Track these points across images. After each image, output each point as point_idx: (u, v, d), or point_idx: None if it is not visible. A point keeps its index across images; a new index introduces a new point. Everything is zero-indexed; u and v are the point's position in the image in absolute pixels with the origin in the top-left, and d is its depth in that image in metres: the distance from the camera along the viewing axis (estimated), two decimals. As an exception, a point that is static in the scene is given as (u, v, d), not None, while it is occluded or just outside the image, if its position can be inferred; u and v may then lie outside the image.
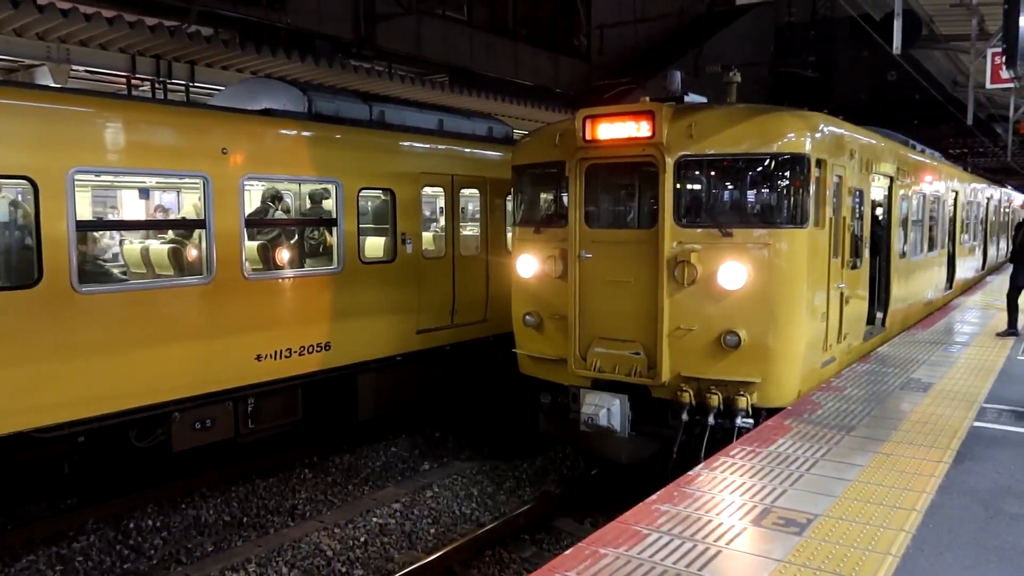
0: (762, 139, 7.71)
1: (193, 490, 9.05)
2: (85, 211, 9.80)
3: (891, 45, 10.71)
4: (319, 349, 9.51)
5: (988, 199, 22.84)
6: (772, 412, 7.61)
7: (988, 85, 12.30)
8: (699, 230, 7.82)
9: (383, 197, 10.74)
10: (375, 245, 10.78)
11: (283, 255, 9.53)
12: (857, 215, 9.68)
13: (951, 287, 16.93)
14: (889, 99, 28.72)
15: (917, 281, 13.33)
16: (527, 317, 8.95)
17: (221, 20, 13.52)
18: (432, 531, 8.37)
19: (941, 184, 15.24)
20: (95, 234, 8.81)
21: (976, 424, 7.00)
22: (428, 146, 11.19)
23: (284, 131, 9.24)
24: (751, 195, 8.05)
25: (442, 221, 11.95)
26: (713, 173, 8.09)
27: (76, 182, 7.32)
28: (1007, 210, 29.87)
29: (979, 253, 21.65)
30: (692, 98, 8.69)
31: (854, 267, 9.46)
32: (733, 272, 7.58)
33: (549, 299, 8.73)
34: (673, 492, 5.34)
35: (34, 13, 9.61)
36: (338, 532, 8.14)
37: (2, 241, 7.51)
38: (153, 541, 7.97)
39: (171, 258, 8.74)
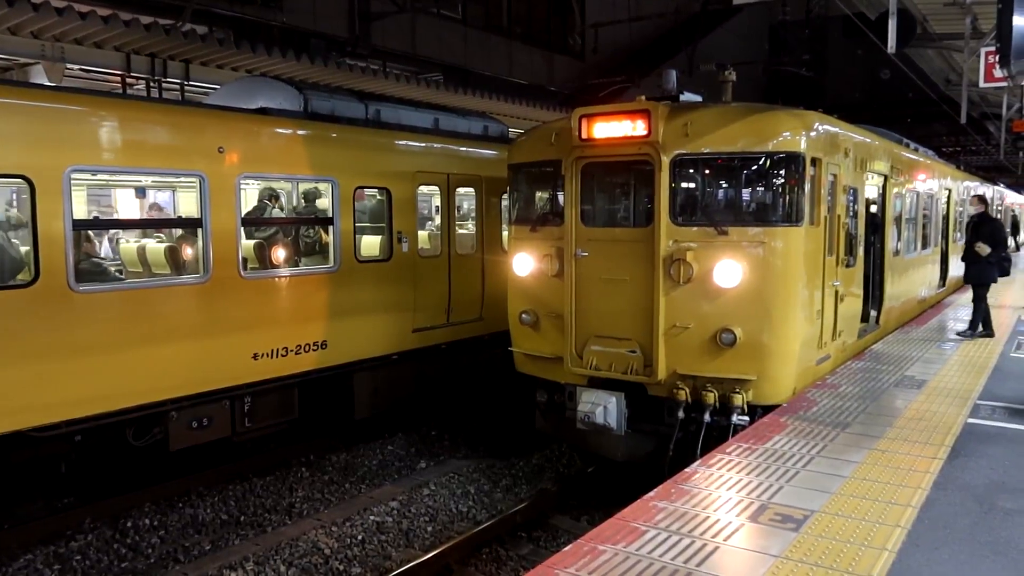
0: (757, 138, 7.74)
1: (190, 489, 9.05)
2: (81, 210, 9.78)
3: (886, 44, 10.76)
4: (315, 348, 9.52)
5: (981, 197, 22.92)
6: (768, 409, 7.65)
7: (982, 84, 12.36)
8: (695, 228, 7.85)
9: (379, 196, 10.75)
10: (371, 244, 10.78)
11: (279, 254, 9.53)
12: (851, 213, 9.73)
13: (944, 285, 17.02)
14: (882, 97, 28.85)
15: (911, 279, 13.40)
16: (523, 315, 8.97)
17: (216, 19, 13.51)
18: (429, 529, 8.39)
19: (934, 182, 15.31)
20: (92, 233, 8.78)
21: (970, 421, 7.05)
22: (424, 145, 11.20)
23: (280, 130, 9.24)
24: (746, 193, 8.09)
25: (438, 220, 11.96)
26: (708, 172, 8.12)
27: (72, 181, 7.31)
28: (999, 208, 30.01)
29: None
30: (687, 97, 8.72)
31: (849, 265, 9.51)
32: (729, 270, 7.62)
33: (545, 297, 8.75)
34: (670, 489, 5.37)
35: (29, 11, 9.57)
36: (335, 530, 8.15)
37: (-2, 240, 7.50)
38: (151, 540, 7.97)
39: (167, 257, 8.73)
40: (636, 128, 7.91)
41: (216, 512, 8.63)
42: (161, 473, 9.09)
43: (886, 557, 4.29)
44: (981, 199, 11.46)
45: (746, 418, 7.68)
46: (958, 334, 11.68)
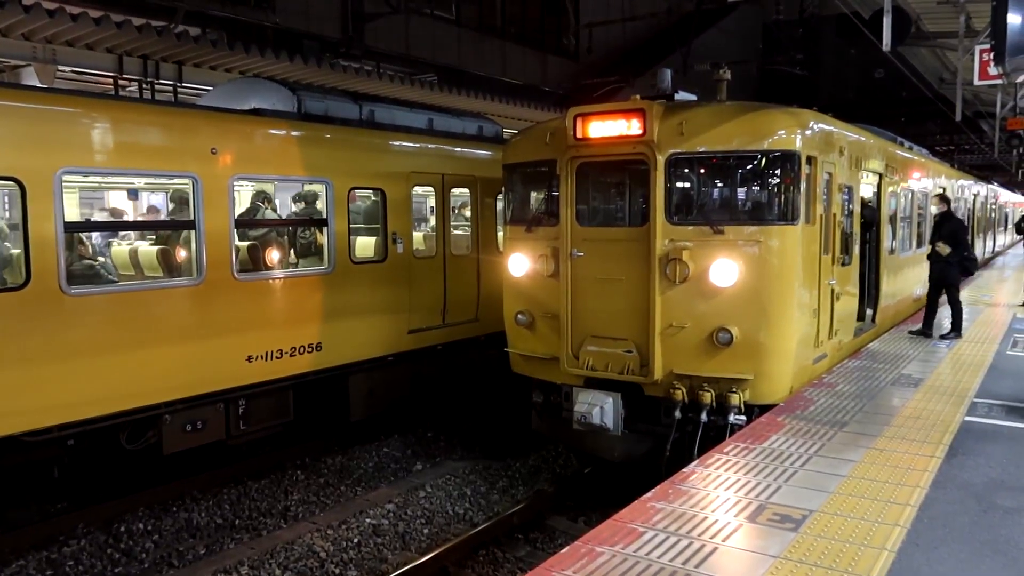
0: (753, 136, 7.72)
1: (184, 493, 8.98)
2: (73, 212, 9.72)
3: (881, 42, 10.76)
4: (310, 350, 9.46)
5: (975, 195, 23.00)
6: (765, 409, 7.63)
7: (976, 82, 12.37)
8: (690, 227, 7.83)
9: (373, 197, 10.71)
10: (366, 245, 10.74)
11: (273, 255, 9.48)
12: (847, 212, 9.72)
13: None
14: (876, 96, 28.90)
15: (906, 277, 13.40)
16: (519, 316, 8.93)
17: (209, 20, 13.45)
18: (426, 531, 8.35)
19: (929, 181, 15.32)
20: (83, 235, 8.70)
21: (967, 419, 7.04)
22: (418, 145, 11.16)
23: (274, 131, 9.18)
24: (742, 192, 8.07)
25: (433, 220, 11.92)
26: (704, 171, 8.10)
27: (64, 183, 7.25)
28: (993, 206, 30.09)
29: (967, 249, 21.75)
30: (682, 96, 8.70)
31: (844, 263, 9.50)
32: (725, 269, 7.60)
33: (541, 298, 8.72)
34: (668, 489, 5.34)
35: (20, 13, 9.52)
36: (331, 533, 8.10)
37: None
38: (144, 544, 7.91)
39: (160, 259, 8.67)
40: (631, 127, 7.88)
41: (211, 516, 8.57)
42: (155, 477, 9.03)
43: (886, 557, 4.27)
44: (943, 198, 11.36)
45: (743, 418, 7.66)
46: (910, 332, 11.58)
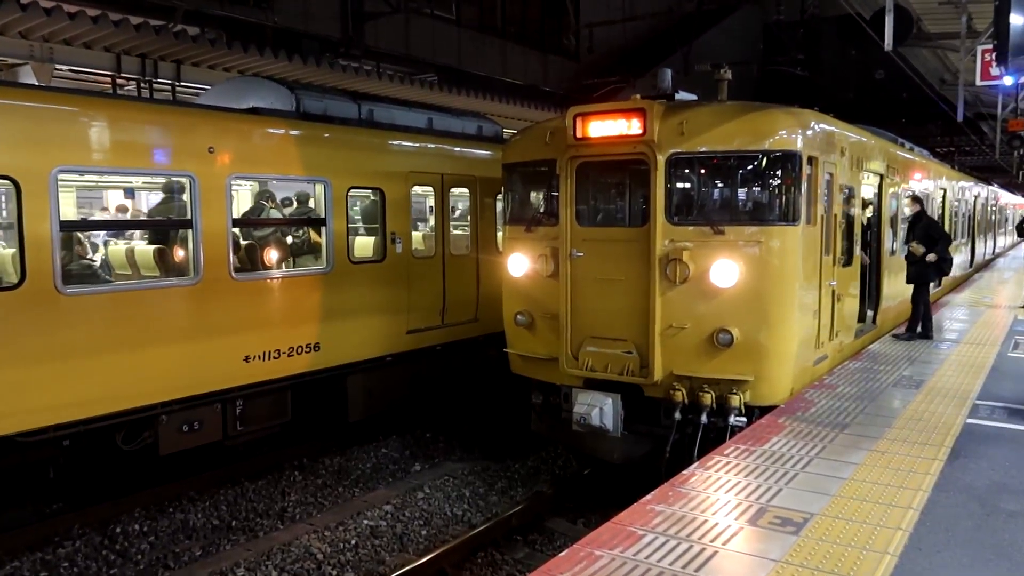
0: (754, 136, 7.67)
1: (181, 494, 8.93)
2: (69, 211, 9.67)
3: (882, 42, 10.71)
4: (308, 350, 9.41)
5: (975, 197, 22.96)
6: (765, 410, 7.58)
7: (978, 82, 12.32)
8: (691, 228, 7.78)
9: (372, 196, 10.66)
10: (364, 245, 10.69)
11: (271, 255, 9.43)
12: (848, 213, 9.67)
13: (940, 284, 16.97)
14: (877, 97, 28.86)
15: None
16: (518, 316, 8.89)
17: (207, 19, 13.39)
18: (424, 533, 8.29)
19: (929, 182, 15.28)
20: (80, 235, 8.66)
21: (969, 421, 6.98)
22: (417, 145, 11.11)
23: (272, 130, 9.13)
24: (743, 193, 8.02)
25: (432, 220, 11.87)
26: (705, 171, 8.05)
27: (59, 182, 7.20)
28: (993, 208, 30.04)
29: (967, 251, 21.75)
30: (682, 96, 8.65)
31: (845, 264, 9.45)
32: (725, 270, 7.55)
33: (540, 298, 8.67)
34: (668, 492, 5.28)
35: (17, 11, 9.47)
36: (328, 535, 8.05)
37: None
38: (140, 546, 7.86)
39: (157, 259, 8.62)
40: (631, 127, 7.83)
41: (207, 517, 8.51)
42: (151, 478, 8.97)
43: (888, 561, 4.21)
44: (915, 199, 11.22)
45: (743, 419, 7.61)
46: (894, 336, 11.38)
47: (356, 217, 10.88)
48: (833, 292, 8.83)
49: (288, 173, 9.34)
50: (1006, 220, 35.82)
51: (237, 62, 12.46)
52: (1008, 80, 11.14)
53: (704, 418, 7.71)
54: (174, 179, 8.45)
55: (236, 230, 8.79)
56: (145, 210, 11.69)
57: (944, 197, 17.01)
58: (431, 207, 12.00)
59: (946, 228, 17.22)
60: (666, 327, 7.82)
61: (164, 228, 9.00)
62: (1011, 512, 4.91)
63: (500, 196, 11.14)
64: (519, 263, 8.84)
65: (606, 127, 8.00)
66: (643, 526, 4.71)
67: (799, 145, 7.66)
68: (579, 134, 8.13)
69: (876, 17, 11.31)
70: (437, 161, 11.32)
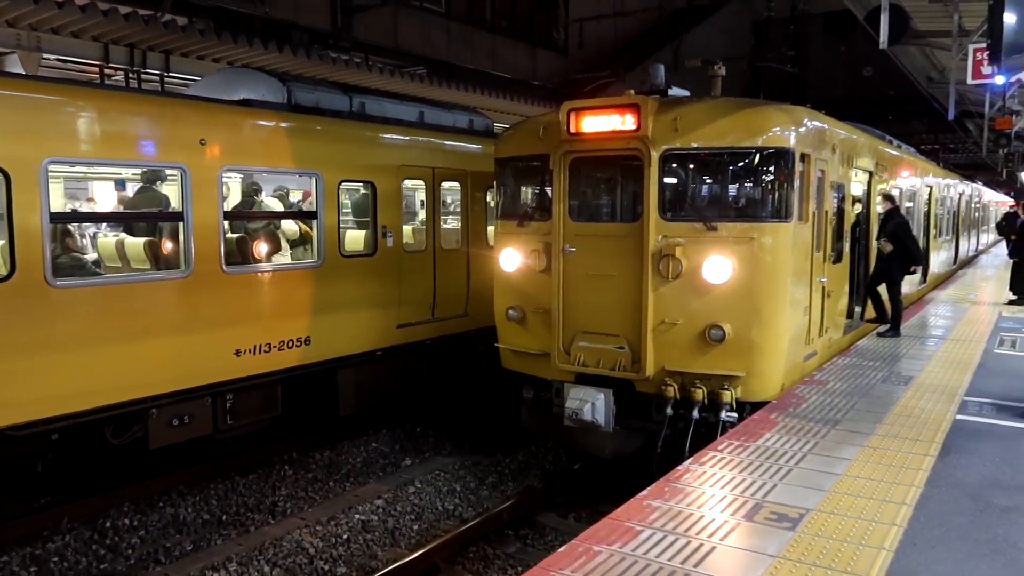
0: (747, 133, 7.70)
1: (171, 488, 8.87)
2: (59, 203, 9.57)
3: (876, 40, 10.76)
4: (299, 344, 9.37)
5: (960, 194, 23.17)
6: (756, 406, 7.62)
7: (969, 80, 12.44)
8: (684, 224, 7.80)
9: (363, 190, 10.61)
10: (355, 238, 10.65)
11: (262, 248, 9.37)
12: (838, 209, 9.73)
13: (925, 281, 17.13)
14: (864, 94, 29.03)
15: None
16: (510, 311, 8.88)
17: (196, 9, 13.28)
18: (415, 527, 8.29)
19: (917, 179, 15.40)
20: (71, 227, 8.57)
21: (959, 417, 7.06)
22: (408, 138, 11.07)
23: (263, 122, 9.07)
24: (736, 189, 8.05)
25: (422, 214, 11.83)
26: (698, 167, 8.08)
27: (50, 173, 7.11)
28: (977, 205, 30.33)
29: (952, 248, 21.96)
30: (675, 91, 8.66)
31: (835, 261, 9.51)
32: (717, 266, 7.57)
33: (532, 293, 8.67)
34: (663, 487, 5.31)
35: (3, -1, 9.35)
36: (320, 529, 8.03)
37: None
38: (130, 540, 7.80)
39: (147, 251, 8.54)
40: (625, 122, 7.84)
41: (198, 511, 8.47)
42: (141, 472, 8.91)
43: (884, 556, 4.26)
44: (888, 197, 11.25)
45: (735, 415, 7.64)
46: (878, 335, 11.32)
47: (347, 210, 10.82)
48: (823, 288, 8.89)
49: (280, 166, 9.28)
50: (989, 217, 36.20)
51: (226, 53, 12.36)
52: (1000, 79, 11.22)
53: (695, 413, 7.74)
54: (166, 171, 8.37)
55: (227, 223, 8.72)
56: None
57: (930, 194, 17.15)
58: (422, 201, 11.98)
59: (931, 225, 17.41)
60: (658, 323, 7.84)
61: (155, 221, 8.91)
62: (1004, 508, 4.97)
63: (491, 190, 11.13)
64: (511, 258, 8.83)
65: (600, 122, 8.00)
66: (640, 521, 4.72)
67: (792, 142, 7.69)
68: (573, 129, 8.13)
69: (871, 15, 11.37)
70: (428, 155, 11.29)
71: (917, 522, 4.72)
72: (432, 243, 11.34)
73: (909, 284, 15.24)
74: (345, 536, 7.94)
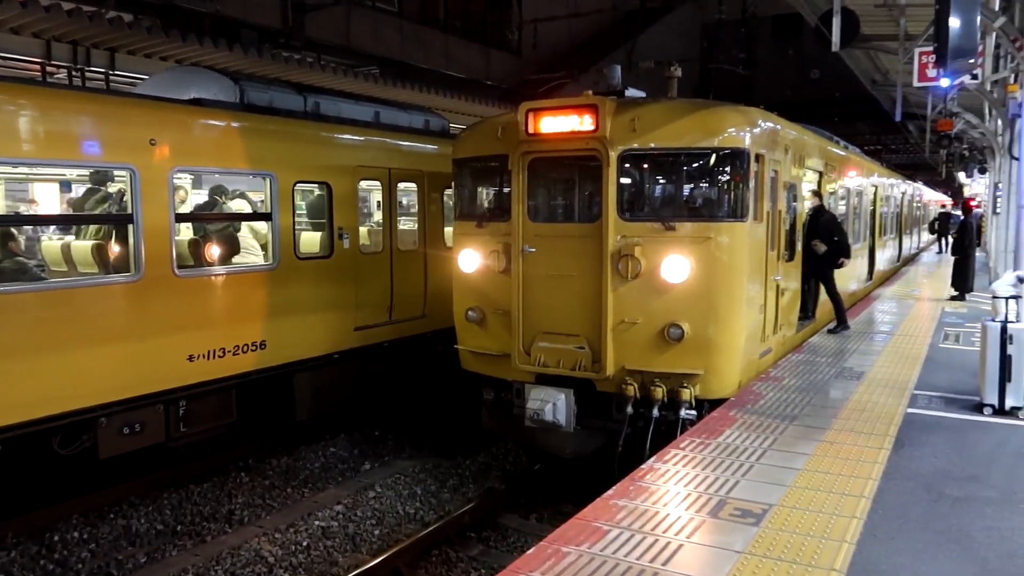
0: (703, 134, 7.78)
1: (122, 498, 8.61)
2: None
3: (828, 43, 11.00)
4: (254, 348, 9.19)
5: (903, 193, 23.84)
6: (714, 403, 7.71)
7: (915, 83, 12.82)
8: (642, 224, 7.85)
9: (319, 191, 10.46)
10: (311, 240, 10.49)
11: (216, 251, 9.17)
12: (791, 209, 9.91)
13: (871, 278, 17.59)
14: (812, 96, 29.70)
15: (843, 273, 13.72)
16: (469, 312, 8.84)
17: (143, 6, 12.95)
18: (376, 532, 8.20)
19: (863, 179, 15.79)
20: (13, 230, 8.26)
21: (910, 410, 7.25)
22: (364, 139, 10.95)
23: (216, 122, 8.87)
24: (693, 189, 8.14)
25: (379, 215, 11.72)
26: (655, 167, 8.15)
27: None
28: (918, 204, 31.26)
29: (896, 245, 22.58)
30: (632, 92, 8.72)
31: (789, 260, 9.69)
32: (676, 265, 7.64)
33: (492, 294, 8.64)
34: (629, 486, 5.33)
35: (-62, -6, 8.99)
36: (279, 537, 7.88)
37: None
38: (80, 554, 7.54)
39: (95, 255, 8.28)
40: (583, 123, 7.86)
41: (151, 522, 8.24)
42: (90, 483, 8.64)
43: (846, 549, 4.34)
44: (816, 193, 11.46)
45: (693, 412, 7.72)
46: (828, 331, 11.55)
47: (302, 212, 10.65)
48: (778, 287, 9.05)
49: (233, 166, 9.09)
50: (929, 216, 37.33)
51: (174, 51, 12.08)
52: (945, 81, 11.58)
53: (655, 412, 7.80)
54: (114, 172, 8.13)
55: (185, 225, 8.51)
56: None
57: (875, 194, 17.61)
58: (378, 202, 11.85)
59: (876, 224, 17.88)
60: (618, 322, 7.88)
61: (103, 223, 8.64)
62: (956, 498, 5.12)
63: (448, 191, 11.07)
64: (470, 259, 8.79)
65: (558, 123, 8.01)
66: (608, 521, 4.74)
67: (747, 143, 7.80)
68: (531, 129, 8.12)
69: (824, 19, 11.63)
70: (384, 155, 11.18)
71: (876, 514, 4.82)
72: (389, 244, 11.23)
73: (858, 281, 15.68)
74: (305, 543, 7.81)
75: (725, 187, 7.86)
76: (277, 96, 9.84)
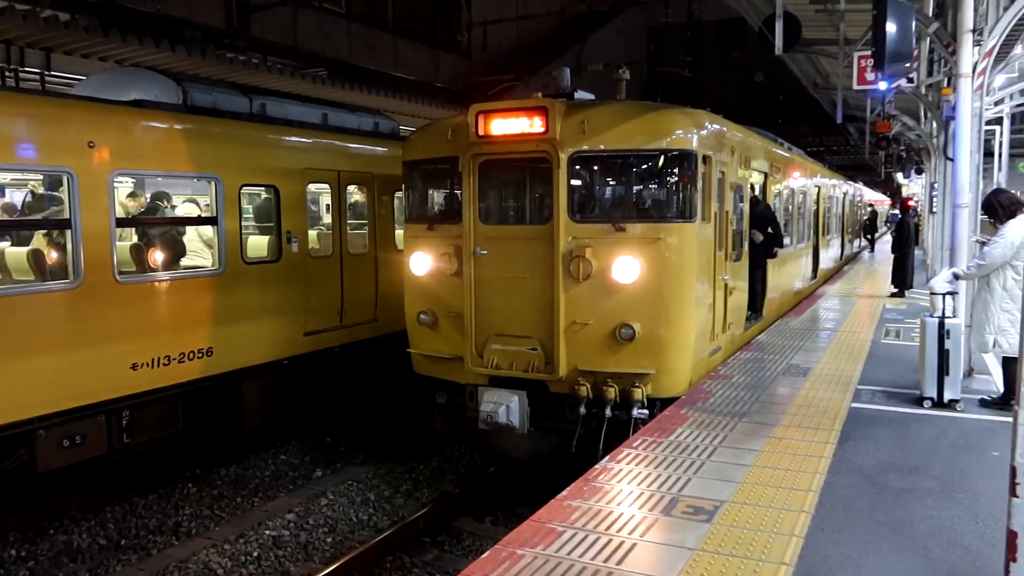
0: (652, 135, 7.87)
1: (63, 513, 8.33)
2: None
3: (772, 47, 11.23)
4: (200, 355, 8.99)
5: (845, 194, 24.47)
6: (666, 402, 7.79)
7: (855, 86, 13.19)
8: (593, 225, 7.90)
9: (266, 194, 10.29)
10: (258, 244, 10.31)
11: (159, 256, 8.94)
12: (737, 209, 10.08)
13: (816, 277, 18.01)
14: (756, 99, 30.33)
15: (789, 272, 14.06)
16: (421, 316, 8.78)
17: (80, 5, 12.57)
18: (329, 540, 8.08)
19: (807, 180, 16.17)
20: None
21: (854, 405, 7.43)
22: (312, 141, 10.80)
23: (158, 124, 8.65)
24: (642, 190, 8.22)
25: (328, 219, 11.58)
26: (605, 169, 8.22)
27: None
28: (859, 204, 32.12)
29: (838, 244, 23.16)
30: (581, 95, 8.77)
31: (736, 259, 9.85)
32: (626, 266, 7.70)
33: (444, 297, 8.60)
34: (583, 487, 5.35)
35: None
36: (228, 548, 7.71)
37: None
38: (19, 573, 7.27)
39: (31, 262, 8.00)
40: (534, 125, 7.87)
41: (93, 537, 7.98)
42: (29, 498, 8.34)
43: (795, 543, 4.42)
44: (752, 187, 11.76)
45: (645, 411, 7.78)
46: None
47: (249, 216, 10.46)
48: (726, 286, 9.19)
49: (176, 169, 8.88)
50: (871, 213, 38.31)
51: (114, 51, 11.76)
52: (883, 85, 11.95)
53: (608, 412, 7.84)
54: (50, 175, 7.87)
55: (129, 230, 8.28)
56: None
57: (819, 194, 18.04)
58: (327, 205, 11.71)
59: (820, 223, 18.32)
60: (570, 323, 7.91)
61: (39, 229, 8.36)
62: (899, 490, 5.25)
63: (399, 193, 10.98)
64: (421, 262, 8.74)
65: (508, 125, 8.00)
66: (562, 522, 4.74)
67: (695, 144, 7.90)
68: (481, 131, 8.09)
69: (767, 23, 11.89)
70: (333, 158, 11.05)
71: (823, 508, 4.92)
72: (339, 248, 11.10)
73: (803, 280, 16.05)
74: (255, 554, 7.66)
75: (674, 188, 7.96)
76: (221, 98, 9.65)
